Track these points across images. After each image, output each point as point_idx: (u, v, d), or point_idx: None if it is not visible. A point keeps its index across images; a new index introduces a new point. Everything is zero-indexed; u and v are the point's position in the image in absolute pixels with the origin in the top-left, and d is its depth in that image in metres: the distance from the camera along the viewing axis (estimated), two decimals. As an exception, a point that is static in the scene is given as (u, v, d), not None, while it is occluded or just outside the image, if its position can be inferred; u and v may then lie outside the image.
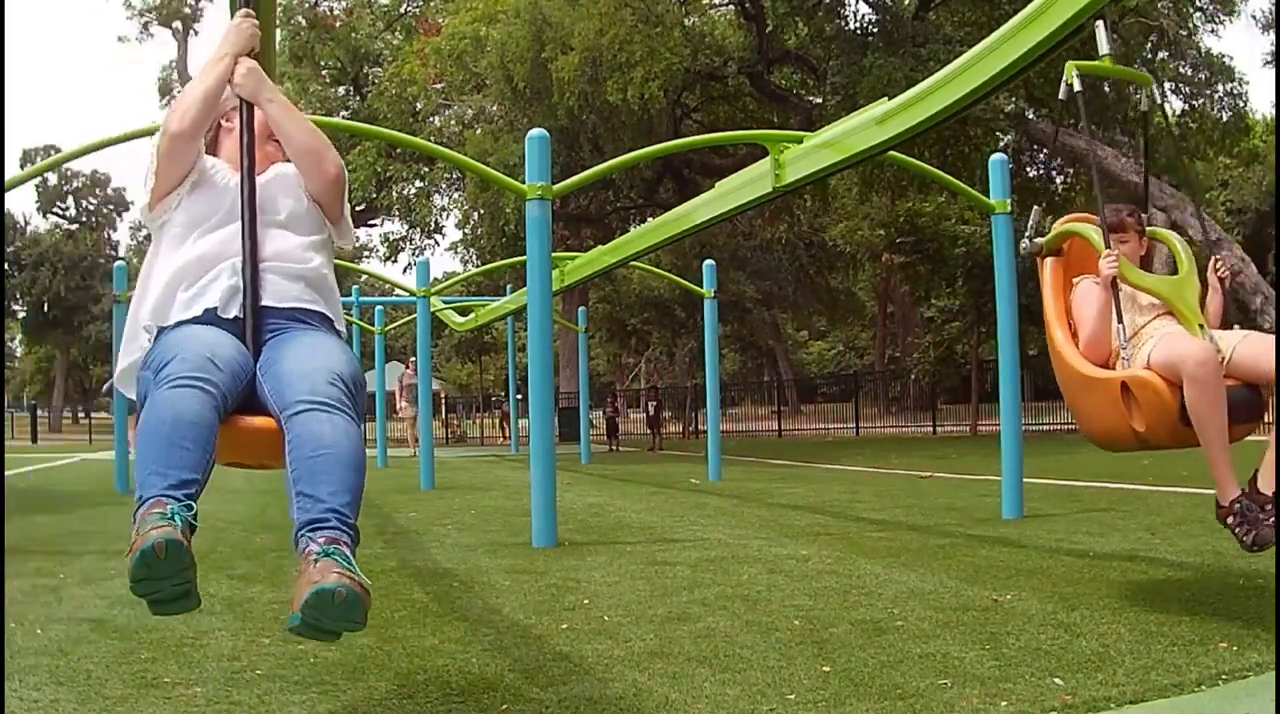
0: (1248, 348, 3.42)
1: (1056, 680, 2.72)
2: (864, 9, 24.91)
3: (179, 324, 2.40)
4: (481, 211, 24.40)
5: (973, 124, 17.56)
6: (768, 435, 28.54)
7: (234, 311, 2.43)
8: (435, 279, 15.51)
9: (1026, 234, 4.03)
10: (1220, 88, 20.71)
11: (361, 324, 20.28)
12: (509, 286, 20.70)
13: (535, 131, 6.34)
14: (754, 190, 6.99)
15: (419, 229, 31.10)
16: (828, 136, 6.24)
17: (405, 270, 32.32)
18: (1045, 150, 19.72)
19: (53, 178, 51.15)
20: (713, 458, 11.50)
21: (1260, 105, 35.92)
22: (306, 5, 31.71)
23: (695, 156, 24.22)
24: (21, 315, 51.33)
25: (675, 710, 2.58)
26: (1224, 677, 2.71)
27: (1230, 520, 3.32)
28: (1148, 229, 3.91)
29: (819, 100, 21.56)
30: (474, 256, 28.65)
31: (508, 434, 26.09)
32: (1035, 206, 4.07)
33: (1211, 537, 4.91)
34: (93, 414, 54.55)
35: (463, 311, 19.58)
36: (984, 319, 20.88)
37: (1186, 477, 8.17)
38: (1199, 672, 2.74)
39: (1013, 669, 2.84)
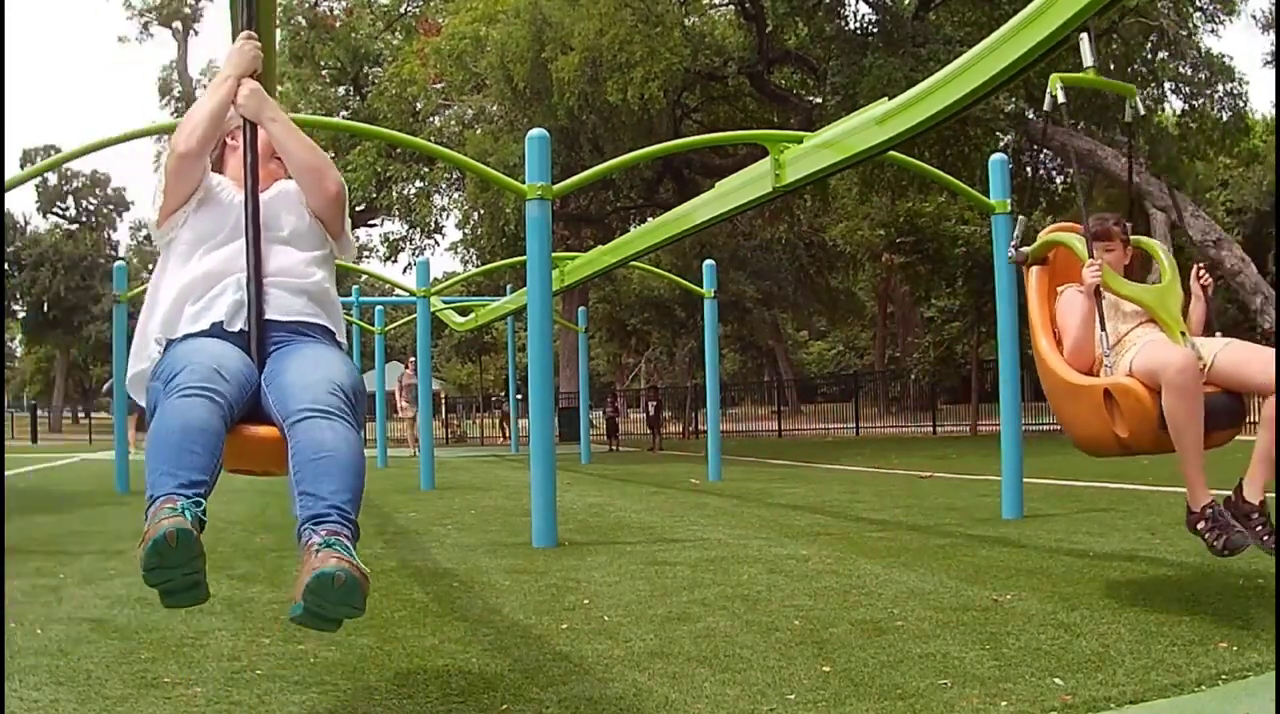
0: (1229, 355, 3.46)
1: (1056, 680, 2.72)
2: (864, 9, 24.94)
3: (187, 337, 2.48)
4: (481, 211, 24.39)
5: (973, 124, 17.56)
6: (768, 435, 28.52)
7: (239, 325, 2.52)
8: (435, 279, 15.52)
9: (1012, 243, 4.10)
10: (1220, 88, 20.70)
11: (361, 324, 20.28)
12: (509, 286, 20.70)
13: (535, 132, 6.34)
14: (754, 190, 6.99)
15: (419, 229, 31.12)
16: (828, 136, 6.25)
17: (405, 270, 32.34)
18: (1045, 151, 19.71)
19: (53, 178, 51.13)
20: (713, 458, 11.50)
21: (1260, 105, 35.95)
22: (306, 5, 31.68)
23: (695, 156, 24.21)
24: (21, 315, 51.30)
25: (675, 710, 2.59)
26: (1224, 677, 2.71)
27: (1201, 526, 3.37)
28: (1132, 238, 3.94)
29: (819, 100, 21.55)
30: (474, 256, 28.65)
31: (508, 434, 26.08)
32: (1021, 216, 4.15)
33: (1211, 537, 4.91)
34: (93, 414, 54.43)
35: (463, 311, 19.59)
36: (984, 319, 20.89)
37: (1186, 477, 8.15)
38: (1199, 672, 2.75)
39: (1013, 669, 2.84)
